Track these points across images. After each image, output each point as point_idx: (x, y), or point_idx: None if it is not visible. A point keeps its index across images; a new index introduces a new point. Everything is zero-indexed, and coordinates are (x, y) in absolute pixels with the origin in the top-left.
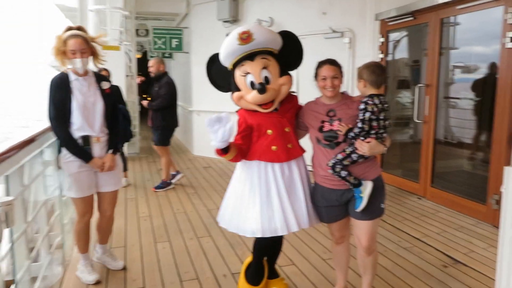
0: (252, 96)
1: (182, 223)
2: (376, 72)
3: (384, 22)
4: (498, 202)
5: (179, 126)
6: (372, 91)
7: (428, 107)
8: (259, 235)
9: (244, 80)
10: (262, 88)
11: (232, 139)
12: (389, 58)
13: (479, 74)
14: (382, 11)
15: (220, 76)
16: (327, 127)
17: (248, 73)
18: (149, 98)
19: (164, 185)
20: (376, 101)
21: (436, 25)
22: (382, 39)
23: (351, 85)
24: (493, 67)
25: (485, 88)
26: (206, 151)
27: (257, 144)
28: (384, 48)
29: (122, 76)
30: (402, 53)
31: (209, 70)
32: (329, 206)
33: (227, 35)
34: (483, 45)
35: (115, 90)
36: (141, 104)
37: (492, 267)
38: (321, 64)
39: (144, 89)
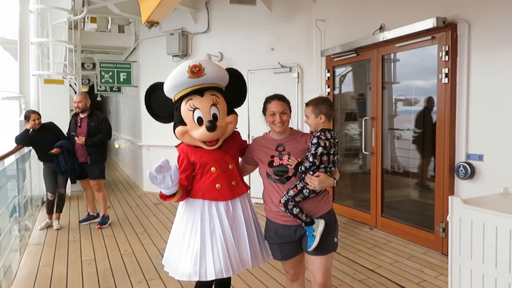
0: (201, 133)
1: (129, 265)
2: (332, 106)
3: (329, 58)
4: (445, 230)
5: (128, 161)
6: (328, 125)
7: (374, 138)
8: (195, 279)
9: (192, 115)
10: (212, 126)
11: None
12: (336, 92)
13: (419, 107)
14: (327, 48)
15: (160, 106)
16: (277, 161)
17: (196, 108)
18: (80, 137)
19: (106, 219)
20: (328, 135)
21: (378, 61)
22: (328, 74)
23: (301, 119)
24: (429, 100)
25: (425, 120)
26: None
27: (200, 182)
28: (330, 82)
29: (66, 111)
30: (348, 87)
31: (148, 98)
32: (283, 243)
33: None
34: (421, 79)
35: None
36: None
37: None
38: (269, 99)
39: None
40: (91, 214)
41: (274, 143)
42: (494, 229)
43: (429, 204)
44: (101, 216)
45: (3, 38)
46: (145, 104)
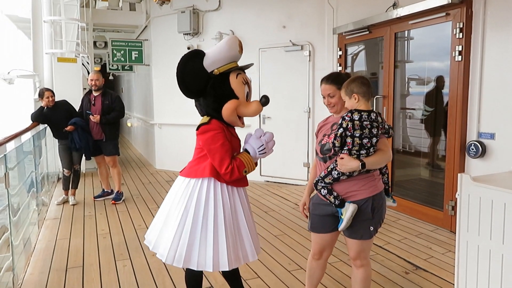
0: (256, 107)
1: (143, 239)
2: (365, 83)
3: (341, 35)
4: (454, 208)
5: (140, 140)
6: (365, 105)
7: (385, 117)
8: (211, 270)
9: (244, 90)
10: (267, 100)
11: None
12: (348, 70)
13: (430, 87)
14: (340, 25)
15: (191, 77)
16: (325, 140)
17: (247, 83)
18: (95, 115)
19: (121, 196)
20: (356, 116)
21: (391, 38)
22: (340, 52)
23: (312, 98)
24: (439, 79)
25: (437, 99)
26: (169, 165)
27: None
28: (342, 61)
29: (79, 89)
30: (360, 66)
31: (184, 65)
32: (315, 214)
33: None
34: (434, 59)
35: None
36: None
37: (450, 271)
38: (321, 81)
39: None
40: (105, 190)
41: (332, 123)
42: (502, 206)
43: (439, 183)
44: (115, 192)
45: (16, 17)
46: (181, 70)
